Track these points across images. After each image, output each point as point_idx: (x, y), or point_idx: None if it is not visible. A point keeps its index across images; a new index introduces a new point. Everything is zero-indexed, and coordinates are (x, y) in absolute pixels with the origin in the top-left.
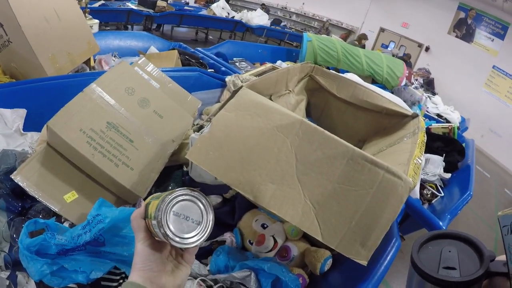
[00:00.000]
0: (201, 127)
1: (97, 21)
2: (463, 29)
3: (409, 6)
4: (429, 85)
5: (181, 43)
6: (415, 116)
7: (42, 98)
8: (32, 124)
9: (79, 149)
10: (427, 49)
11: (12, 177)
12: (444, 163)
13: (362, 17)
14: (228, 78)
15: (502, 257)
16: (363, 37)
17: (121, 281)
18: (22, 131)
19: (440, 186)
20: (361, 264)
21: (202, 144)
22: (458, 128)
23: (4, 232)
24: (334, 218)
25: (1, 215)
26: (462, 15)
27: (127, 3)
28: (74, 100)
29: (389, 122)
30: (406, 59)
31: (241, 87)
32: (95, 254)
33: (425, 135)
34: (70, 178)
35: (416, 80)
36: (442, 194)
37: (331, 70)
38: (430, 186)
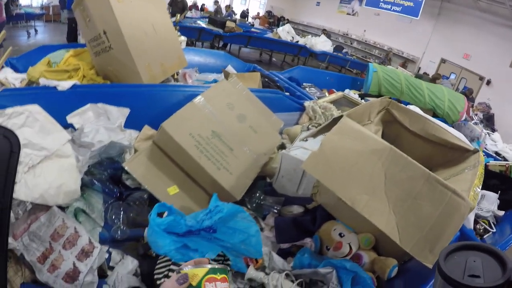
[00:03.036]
0: (282, 146)
1: (185, 38)
2: None
3: (471, 36)
4: (488, 121)
5: (256, 65)
6: (476, 151)
7: (141, 102)
8: (129, 122)
9: (188, 151)
10: (488, 82)
11: (124, 166)
12: (498, 201)
13: (423, 47)
14: (307, 103)
15: None
16: (437, 77)
17: None
18: (123, 128)
19: (493, 223)
20: (427, 266)
21: (314, 158)
22: None
23: (100, 212)
24: (410, 227)
25: (98, 197)
26: None
27: (198, 21)
28: (184, 108)
29: (452, 155)
30: (468, 94)
31: (342, 116)
32: (207, 239)
33: (484, 168)
34: (172, 175)
35: (476, 115)
36: (494, 230)
37: (404, 105)
38: (483, 222)
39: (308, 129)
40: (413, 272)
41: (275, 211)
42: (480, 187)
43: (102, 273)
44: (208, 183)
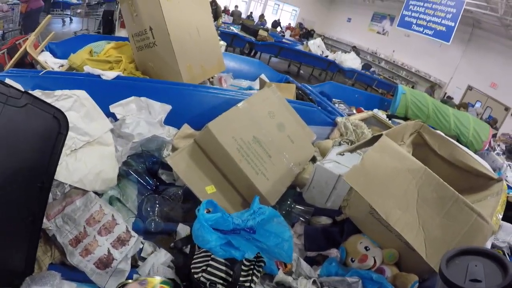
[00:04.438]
0: (313, 158)
1: (224, 43)
2: None
3: (500, 65)
4: (511, 153)
5: (288, 76)
6: (500, 180)
7: (181, 100)
8: (167, 119)
9: (230, 153)
10: None
11: (167, 160)
12: None
13: (451, 72)
14: (339, 119)
15: None
16: (463, 106)
17: (251, 266)
18: (163, 124)
19: (508, 254)
20: None
21: (356, 172)
22: None
23: (134, 202)
24: (437, 243)
25: (133, 188)
26: None
27: (231, 27)
28: (229, 111)
29: (476, 182)
30: (492, 123)
31: (381, 134)
32: (246, 239)
33: (507, 197)
34: (210, 174)
35: (498, 145)
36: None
37: (434, 130)
38: (498, 252)
39: (340, 144)
40: None
41: (303, 220)
42: (502, 214)
43: (133, 263)
44: (244, 186)
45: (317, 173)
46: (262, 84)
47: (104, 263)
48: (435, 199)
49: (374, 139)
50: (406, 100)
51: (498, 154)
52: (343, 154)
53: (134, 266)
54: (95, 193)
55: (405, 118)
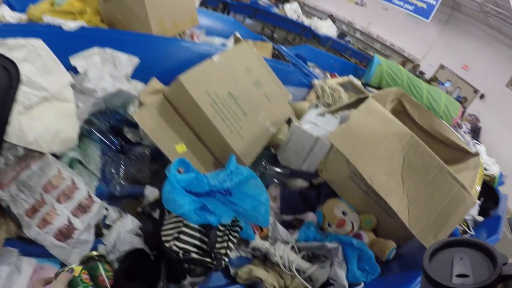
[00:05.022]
0: (288, 119)
1: None
2: None
3: (474, 49)
4: (475, 133)
5: (263, 36)
6: (476, 154)
7: (151, 53)
8: (134, 73)
9: (203, 108)
10: (481, 96)
11: (132, 115)
12: (479, 207)
13: (425, 49)
14: (316, 81)
15: None
16: (434, 79)
17: (227, 232)
18: (129, 78)
19: (472, 227)
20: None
21: (341, 133)
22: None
23: (98, 164)
24: (420, 211)
25: (96, 148)
26: None
27: None
28: (203, 64)
29: (452, 156)
30: (462, 101)
31: (367, 97)
32: (221, 202)
33: (483, 171)
34: (180, 132)
35: (465, 124)
36: (473, 233)
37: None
38: (463, 224)
39: (316, 106)
40: (406, 256)
41: (277, 182)
42: (480, 187)
43: (97, 232)
44: (217, 145)
45: (294, 134)
46: (237, 42)
47: (65, 234)
48: (420, 167)
49: (359, 101)
50: (381, 71)
51: (465, 132)
52: (324, 115)
53: (98, 235)
54: (54, 155)
55: (379, 88)
